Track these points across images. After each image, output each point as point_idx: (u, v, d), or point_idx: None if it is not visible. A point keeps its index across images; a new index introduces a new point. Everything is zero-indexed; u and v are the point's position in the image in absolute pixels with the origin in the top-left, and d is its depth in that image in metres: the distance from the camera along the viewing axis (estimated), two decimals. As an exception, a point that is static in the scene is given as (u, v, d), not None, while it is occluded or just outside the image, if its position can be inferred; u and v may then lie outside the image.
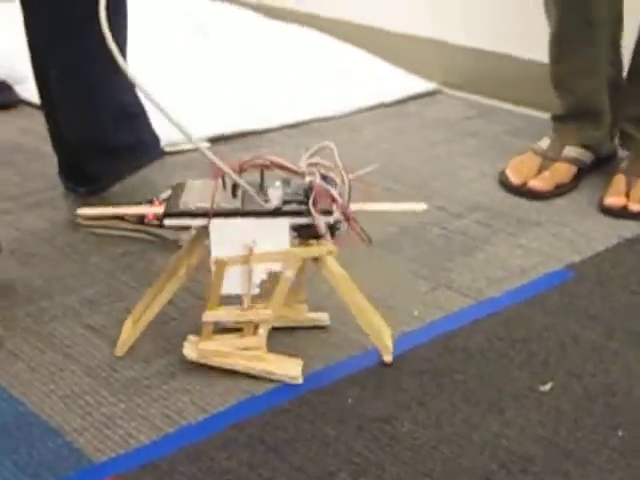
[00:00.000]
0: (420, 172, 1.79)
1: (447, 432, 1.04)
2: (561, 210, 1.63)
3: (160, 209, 1.12)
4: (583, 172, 1.74)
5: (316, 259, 1.11)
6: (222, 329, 1.16)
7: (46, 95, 1.45)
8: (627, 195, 1.62)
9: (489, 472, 0.97)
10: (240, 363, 1.12)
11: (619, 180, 1.65)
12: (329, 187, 1.07)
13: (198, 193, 1.12)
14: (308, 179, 1.08)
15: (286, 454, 1.00)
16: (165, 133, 1.79)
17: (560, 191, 1.68)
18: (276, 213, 1.08)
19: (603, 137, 1.76)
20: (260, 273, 1.09)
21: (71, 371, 1.14)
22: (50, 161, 1.61)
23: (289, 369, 1.13)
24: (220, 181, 1.10)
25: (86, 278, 1.37)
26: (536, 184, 1.68)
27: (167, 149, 1.75)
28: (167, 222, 1.09)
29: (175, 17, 2.72)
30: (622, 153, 1.77)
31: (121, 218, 1.46)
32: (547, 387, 1.12)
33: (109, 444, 1.01)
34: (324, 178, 1.09)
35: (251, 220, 1.08)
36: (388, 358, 1.15)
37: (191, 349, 1.13)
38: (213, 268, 1.09)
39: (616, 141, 1.80)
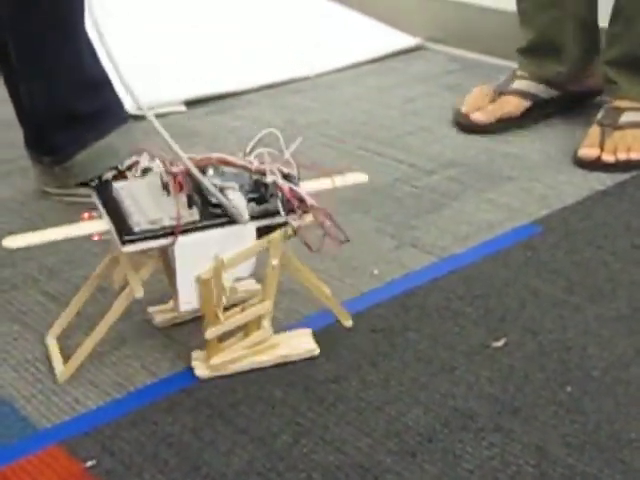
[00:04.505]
0: (395, 129, 1.77)
1: (394, 392, 1.03)
2: (535, 165, 1.61)
3: (97, 225, 1.04)
4: (540, 108, 1.77)
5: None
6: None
7: (6, 66, 1.45)
8: (601, 146, 1.59)
9: (431, 431, 0.97)
10: (255, 361, 1.08)
11: (594, 131, 1.62)
12: (298, 190, 1.02)
13: (144, 204, 1.03)
14: (270, 179, 1.02)
15: (230, 417, 1.00)
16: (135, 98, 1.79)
17: (504, 125, 1.73)
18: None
19: (567, 73, 1.76)
20: (228, 282, 1.04)
21: (25, 339, 1.15)
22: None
23: (302, 345, 1.10)
24: (162, 184, 1.02)
25: (49, 246, 1.36)
26: (478, 116, 1.74)
27: (137, 113, 1.74)
28: (128, 249, 1.00)
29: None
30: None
31: (85, 184, 1.46)
32: (500, 343, 1.11)
33: (55, 411, 1.01)
34: (285, 176, 1.03)
35: (217, 230, 1.02)
36: (348, 323, 1.15)
37: (202, 368, 1.08)
38: (198, 289, 1.03)
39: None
